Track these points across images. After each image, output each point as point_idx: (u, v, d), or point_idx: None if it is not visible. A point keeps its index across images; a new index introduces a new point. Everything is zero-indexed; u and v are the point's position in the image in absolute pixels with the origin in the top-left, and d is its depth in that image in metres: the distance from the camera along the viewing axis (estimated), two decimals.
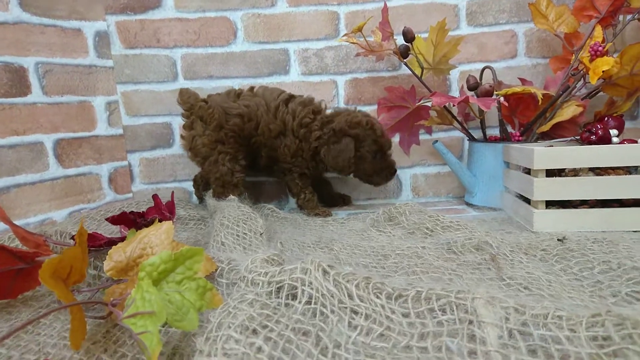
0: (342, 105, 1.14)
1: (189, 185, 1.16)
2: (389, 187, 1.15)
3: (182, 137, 1.01)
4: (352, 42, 0.99)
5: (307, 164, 1.00)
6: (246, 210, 0.81)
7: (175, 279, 0.45)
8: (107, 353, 0.42)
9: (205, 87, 1.12)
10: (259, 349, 0.37)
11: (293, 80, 1.13)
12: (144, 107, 1.12)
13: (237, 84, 1.13)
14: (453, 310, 0.42)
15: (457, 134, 1.13)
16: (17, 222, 0.89)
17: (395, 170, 1.01)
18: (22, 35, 0.93)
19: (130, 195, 1.14)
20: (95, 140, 1.05)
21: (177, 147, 1.15)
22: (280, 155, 0.99)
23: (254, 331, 0.39)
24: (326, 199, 1.12)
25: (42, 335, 0.45)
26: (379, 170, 0.99)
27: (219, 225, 0.71)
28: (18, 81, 0.92)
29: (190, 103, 0.97)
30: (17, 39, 0.92)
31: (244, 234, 0.71)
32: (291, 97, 1.00)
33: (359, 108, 1.13)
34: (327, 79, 1.13)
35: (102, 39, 1.06)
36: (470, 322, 0.40)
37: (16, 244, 0.68)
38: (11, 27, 0.90)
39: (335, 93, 1.14)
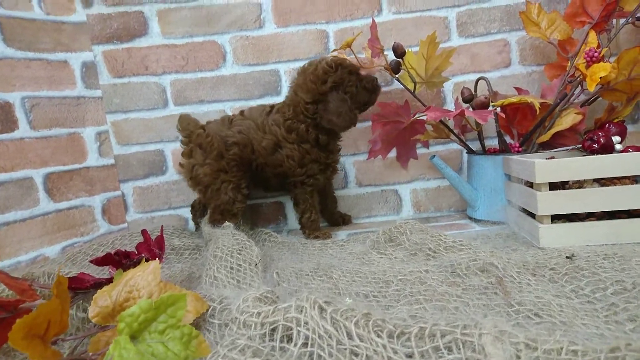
0: None
1: (185, 212, 1.14)
2: (389, 204, 1.13)
3: (180, 165, 0.98)
4: (342, 57, 0.97)
5: (318, 158, 0.96)
6: (241, 238, 0.78)
7: (158, 328, 0.42)
8: None
9: (196, 112, 1.10)
10: None
11: None
12: (135, 135, 1.11)
13: (228, 107, 1.11)
14: (459, 349, 0.39)
15: (455, 146, 1.11)
16: (7, 261, 0.87)
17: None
18: (7, 70, 0.91)
19: (125, 225, 1.11)
20: (86, 171, 1.03)
21: (171, 174, 1.13)
22: (287, 169, 0.96)
23: None
24: (327, 217, 1.09)
25: None
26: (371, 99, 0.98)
27: (212, 258, 0.69)
28: (4, 117, 0.90)
29: (189, 130, 0.94)
30: (1, 74, 0.90)
31: (238, 265, 0.68)
32: (272, 107, 0.98)
33: None
34: None
35: (89, 69, 1.05)
36: None
37: (2, 288, 0.65)
38: None
39: None
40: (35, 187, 0.94)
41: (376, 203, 1.13)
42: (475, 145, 1.05)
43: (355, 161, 1.12)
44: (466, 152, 1.04)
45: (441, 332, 0.41)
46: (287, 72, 1.11)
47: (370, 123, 1.10)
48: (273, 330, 0.46)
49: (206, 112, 1.11)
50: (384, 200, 1.12)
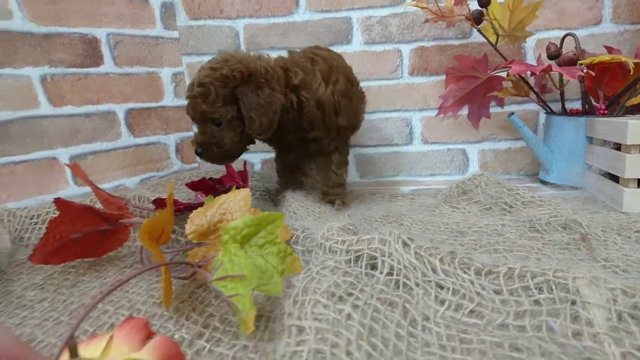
0: (406, 75, 1.09)
1: (251, 157, 1.17)
2: (454, 162, 1.10)
3: None
4: (421, 7, 0.93)
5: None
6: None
7: (258, 242, 0.45)
8: (195, 312, 0.43)
9: None
10: (349, 316, 0.36)
11: (355, 50, 1.10)
12: None
13: None
14: (551, 289, 0.39)
15: (532, 106, 1.06)
16: None
17: None
18: (95, 6, 0.95)
19: (196, 165, 1.17)
20: (162, 111, 1.08)
21: None
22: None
23: (341, 298, 0.38)
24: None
25: (131, 292, 0.47)
26: None
27: (290, 198, 0.71)
28: (92, 52, 0.95)
29: None
30: (90, 10, 0.94)
31: (313, 206, 0.70)
32: None
33: (425, 78, 1.09)
34: (391, 47, 1.09)
35: (168, 10, 1.08)
36: (573, 302, 0.37)
37: (98, 207, 0.71)
38: None
39: (400, 62, 1.09)
40: (118, 121, 1.00)
41: (441, 162, 1.11)
42: (554, 106, 0.99)
43: (423, 117, 1.10)
44: (545, 113, 0.99)
45: (532, 273, 0.41)
46: (359, 20, 1.08)
47: (441, 77, 1.07)
48: (357, 257, 0.48)
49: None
50: (450, 159, 1.10)
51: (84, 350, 0.34)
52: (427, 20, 0.97)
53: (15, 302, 0.48)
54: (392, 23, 1.07)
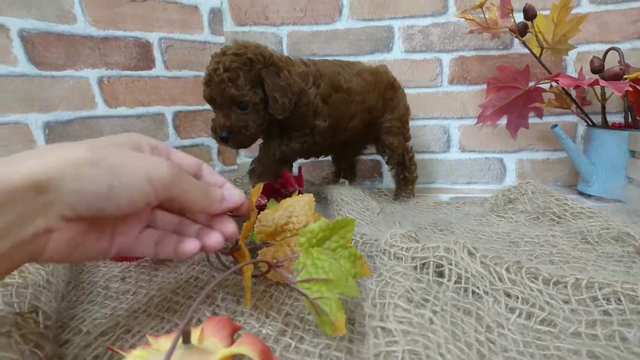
0: (445, 83, 1.11)
1: None
2: (491, 171, 1.12)
3: None
4: (467, 19, 0.95)
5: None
6: (355, 190, 0.82)
7: (331, 246, 0.47)
8: (272, 310, 0.45)
9: None
10: (431, 321, 0.38)
11: (395, 57, 1.12)
12: None
13: None
14: (620, 300, 0.41)
15: (571, 118, 1.06)
16: None
17: None
18: (149, 11, 0.99)
19: (236, 167, 1.20)
20: (206, 114, 1.11)
21: None
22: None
23: (419, 303, 0.41)
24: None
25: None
26: None
27: (339, 200, 0.73)
28: (145, 55, 0.99)
29: None
30: (144, 14, 0.98)
31: (364, 210, 0.73)
32: None
33: (464, 87, 1.11)
34: (431, 56, 1.11)
35: (215, 15, 1.11)
36: None
37: None
38: (141, 3, 0.97)
39: (439, 71, 1.11)
40: (166, 122, 1.03)
41: (478, 170, 1.12)
42: (595, 119, 1.00)
43: (461, 125, 1.12)
44: (586, 125, 1.00)
45: (599, 284, 0.42)
46: (400, 29, 1.10)
47: (480, 87, 1.09)
48: (423, 265, 0.50)
49: None
50: (487, 168, 1.12)
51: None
52: (471, 31, 0.99)
53: (102, 292, 0.51)
54: (433, 32, 1.09)
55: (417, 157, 1.13)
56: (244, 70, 0.68)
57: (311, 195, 0.56)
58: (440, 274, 0.48)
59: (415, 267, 0.49)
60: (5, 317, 0.36)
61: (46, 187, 0.29)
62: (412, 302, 0.40)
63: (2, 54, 0.77)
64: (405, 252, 0.51)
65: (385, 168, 1.15)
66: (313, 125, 0.79)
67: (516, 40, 1.04)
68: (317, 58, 1.14)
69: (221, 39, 1.13)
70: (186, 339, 0.33)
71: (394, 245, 0.52)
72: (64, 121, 0.86)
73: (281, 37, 1.14)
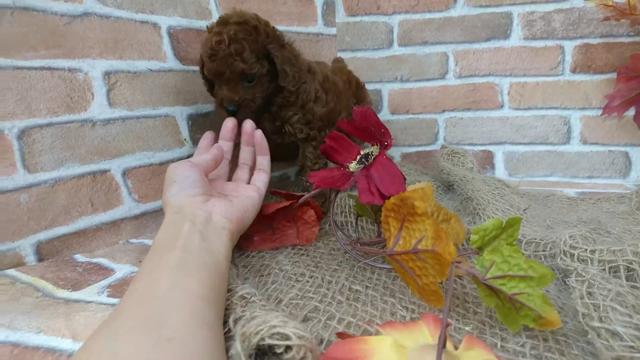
0: (567, 72, 1.06)
1: (391, 152, 1.20)
2: (615, 165, 1.06)
3: None
4: (604, 5, 0.89)
5: None
6: (492, 182, 0.81)
7: (500, 244, 0.47)
8: (459, 307, 0.46)
9: (418, 53, 1.13)
10: None
11: (513, 45, 1.08)
12: (357, 73, 1.17)
13: (450, 49, 1.11)
14: None
15: None
16: None
17: None
18: (270, 5, 1.02)
19: None
20: None
21: (384, 114, 1.19)
22: None
23: (634, 308, 0.40)
24: None
25: (384, 282, 0.52)
26: None
27: (479, 198, 0.73)
28: None
29: None
30: (265, 9, 1.01)
31: (507, 209, 0.72)
32: None
33: (588, 77, 1.05)
34: (553, 44, 1.05)
35: (329, 7, 1.12)
36: None
37: None
38: None
39: (561, 59, 1.05)
40: None
41: (600, 164, 1.06)
42: None
43: (583, 116, 1.06)
44: None
45: None
46: (520, 15, 1.06)
47: (606, 76, 1.03)
48: (611, 268, 0.49)
49: (427, 53, 1.13)
50: (610, 161, 1.06)
51: (398, 332, 0.39)
52: (607, 18, 0.93)
53: (280, 274, 0.54)
54: (556, 19, 1.04)
55: (534, 148, 1.10)
56: (249, 40, 0.66)
57: (429, 183, 0.55)
58: (629, 279, 0.47)
59: (603, 270, 0.49)
60: None
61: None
62: (626, 306, 0.40)
63: (155, 51, 0.83)
64: (590, 254, 0.50)
65: (498, 159, 1.12)
66: (313, 111, 0.77)
67: None
68: (428, 46, 1.13)
69: (333, 30, 1.14)
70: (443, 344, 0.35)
71: (576, 247, 0.51)
72: (203, 113, 0.91)
73: (392, 26, 1.13)
